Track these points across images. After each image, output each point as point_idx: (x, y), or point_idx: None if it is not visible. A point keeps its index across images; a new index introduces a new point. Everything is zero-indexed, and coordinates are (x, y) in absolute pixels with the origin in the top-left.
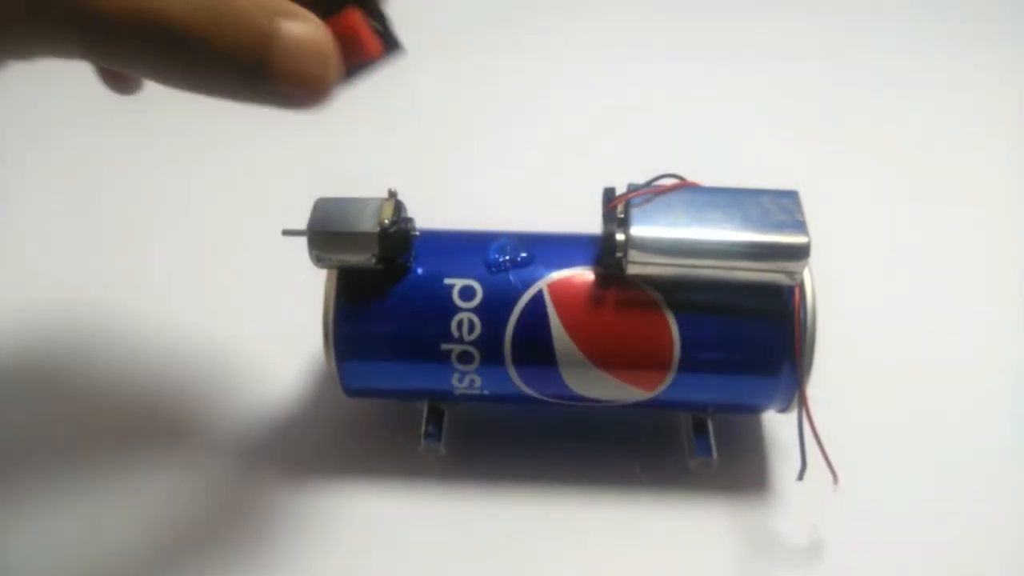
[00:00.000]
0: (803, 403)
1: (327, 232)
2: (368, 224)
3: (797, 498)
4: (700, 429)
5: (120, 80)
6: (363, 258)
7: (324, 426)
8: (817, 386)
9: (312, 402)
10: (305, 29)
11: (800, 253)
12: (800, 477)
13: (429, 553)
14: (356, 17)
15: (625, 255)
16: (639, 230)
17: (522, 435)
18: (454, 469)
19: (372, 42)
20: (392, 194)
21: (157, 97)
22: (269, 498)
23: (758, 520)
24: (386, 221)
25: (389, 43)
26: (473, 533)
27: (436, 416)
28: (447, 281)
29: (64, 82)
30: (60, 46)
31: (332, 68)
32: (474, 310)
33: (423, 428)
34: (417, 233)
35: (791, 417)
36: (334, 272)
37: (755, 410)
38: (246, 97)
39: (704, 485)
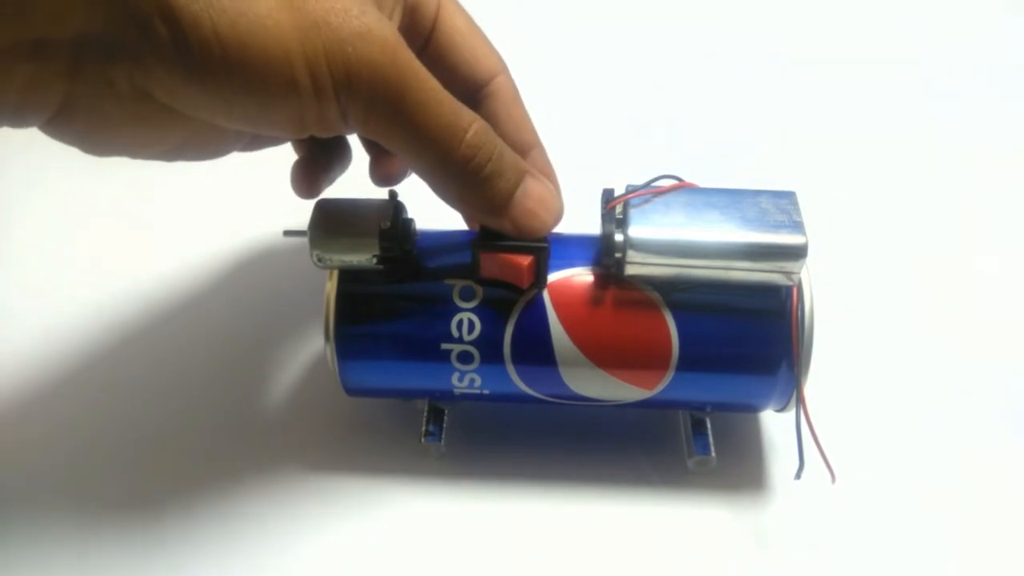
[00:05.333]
0: (801, 402)
1: (328, 233)
2: (369, 225)
3: (795, 497)
4: (699, 428)
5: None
6: (364, 259)
7: (325, 425)
8: (815, 385)
9: (313, 402)
10: (538, 185)
11: (798, 253)
12: (798, 476)
13: (429, 551)
14: (528, 263)
15: (624, 255)
16: (637, 231)
17: (522, 434)
18: (454, 468)
19: (526, 281)
20: (392, 195)
21: None
22: (269, 497)
23: (757, 518)
24: (387, 222)
25: (537, 283)
26: (473, 532)
27: (437, 415)
28: (447, 281)
29: None
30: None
31: (553, 215)
32: (474, 310)
33: (423, 427)
34: (417, 234)
35: (789, 416)
36: (335, 272)
37: (753, 409)
38: (489, 222)
39: (703, 484)
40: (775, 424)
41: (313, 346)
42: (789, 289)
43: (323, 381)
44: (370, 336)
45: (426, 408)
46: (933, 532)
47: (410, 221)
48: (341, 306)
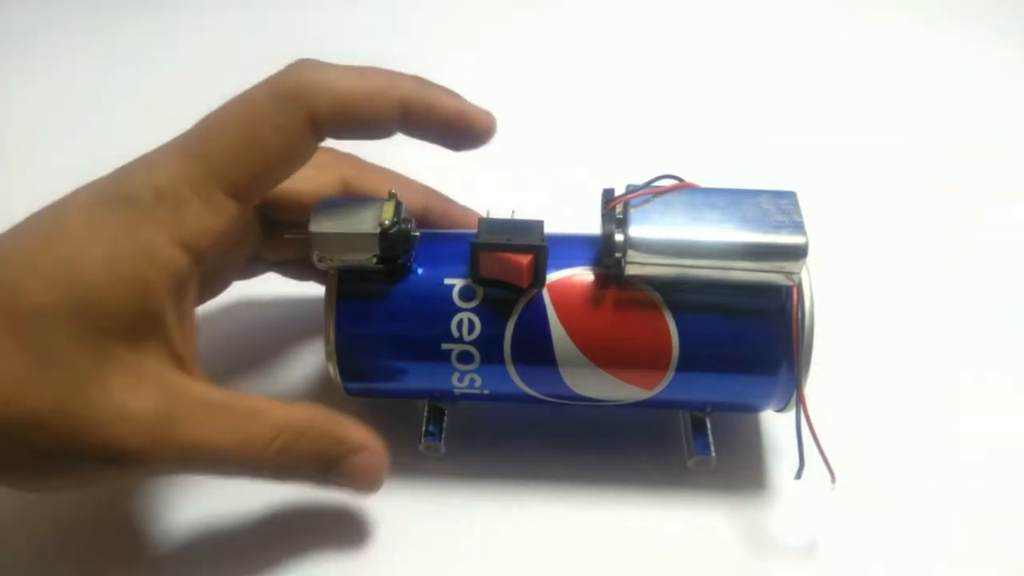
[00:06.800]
0: (801, 402)
1: (328, 233)
2: (369, 225)
3: (795, 497)
4: (699, 428)
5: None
6: (364, 258)
7: None
8: (815, 385)
9: (312, 401)
10: (361, 460)
11: (798, 253)
12: (798, 476)
13: (429, 552)
14: (527, 261)
15: (624, 255)
16: (638, 230)
17: (522, 434)
18: (454, 468)
19: (526, 280)
20: (392, 195)
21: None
22: (267, 499)
23: (757, 519)
24: (386, 222)
25: (537, 282)
26: (473, 532)
27: (436, 415)
28: (447, 281)
29: None
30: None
31: (378, 478)
32: (474, 310)
33: (423, 427)
34: (417, 234)
35: (789, 416)
36: (335, 272)
37: (754, 409)
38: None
39: (703, 484)
40: (775, 424)
41: (313, 346)
42: (789, 289)
43: (323, 381)
44: (370, 336)
45: (426, 408)
46: (933, 533)
47: (410, 220)
48: (341, 306)
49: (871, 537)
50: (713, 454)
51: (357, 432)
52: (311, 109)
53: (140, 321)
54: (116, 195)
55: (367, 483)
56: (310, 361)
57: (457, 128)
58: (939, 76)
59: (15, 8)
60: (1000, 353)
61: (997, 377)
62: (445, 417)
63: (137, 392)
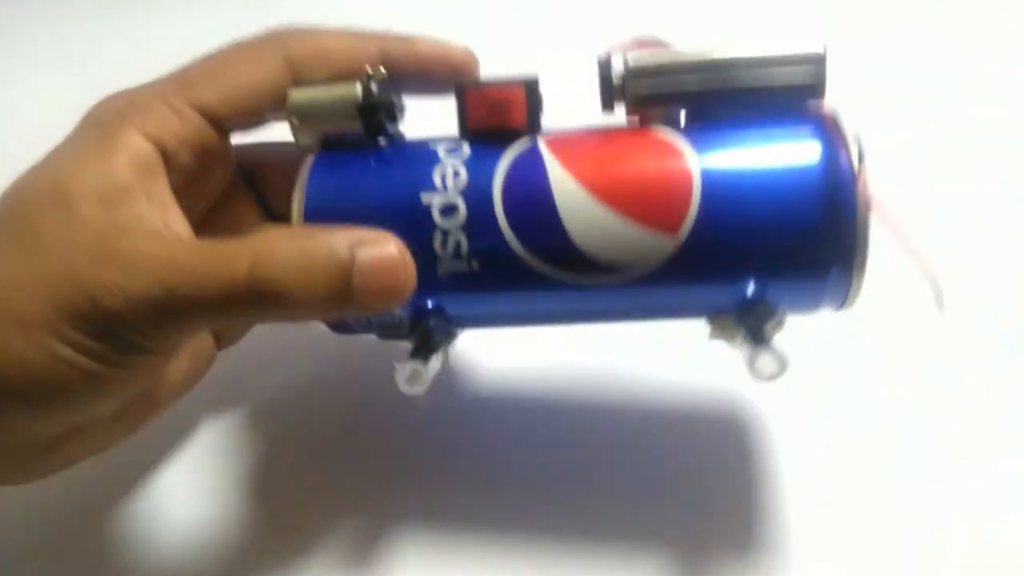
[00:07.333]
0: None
1: (307, 98)
2: (352, 85)
3: (796, 501)
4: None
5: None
6: (346, 114)
7: (320, 428)
8: (817, 387)
9: (311, 413)
10: (378, 252)
11: (817, 57)
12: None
13: (428, 553)
14: (520, 94)
15: (624, 92)
16: (636, 58)
17: (524, 441)
18: (454, 471)
19: (520, 117)
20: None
21: None
22: (265, 503)
23: (757, 527)
24: (369, 71)
25: (532, 123)
26: (472, 538)
27: (424, 344)
28: (432, 146)
29: None
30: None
31: (406, 278)
32: (462, 161)
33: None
34: (404, 107)
35: (781, 435)
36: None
37: (812, 262)
38: (335, 316)
39: (699, 497)
40: (772, 438)
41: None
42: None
43: (324, 389)
44: (344, 193)
45: (411, 347)
46: (935, 537)
47: (398, 94)
48: (317, 163)
49: (873, 542)
50: (775, 348)
51: (357, 230)
52: (290, 50)
53: (106, 190)
54: (96, 114)
55: (391, 279)
56: (311, 370)
57: (439, 68)
58: (938, 75)
59: (12, 4)
60: (1001, 354)
61: (998, 378)
62: (433, 336)
63: (117, 240)
